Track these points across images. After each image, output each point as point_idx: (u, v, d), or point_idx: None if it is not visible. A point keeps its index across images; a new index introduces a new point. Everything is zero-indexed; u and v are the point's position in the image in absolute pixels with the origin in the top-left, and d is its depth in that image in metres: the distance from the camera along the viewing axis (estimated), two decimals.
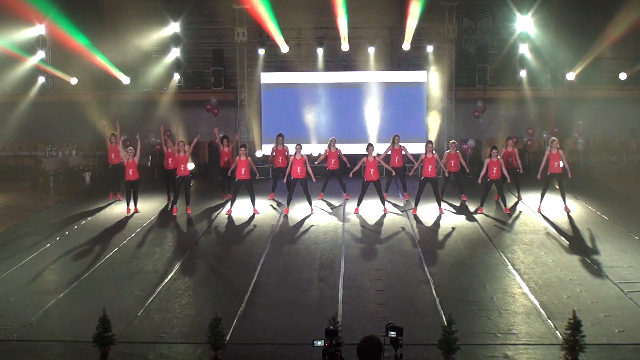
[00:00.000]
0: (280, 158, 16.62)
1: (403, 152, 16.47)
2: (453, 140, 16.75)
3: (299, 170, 15.17)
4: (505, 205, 15.35)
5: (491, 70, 21.55)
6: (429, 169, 15.07)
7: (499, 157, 15.13)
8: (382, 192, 15.49)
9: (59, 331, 8.91)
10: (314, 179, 15.30)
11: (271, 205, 16.31)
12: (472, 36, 22.28)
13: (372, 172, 15.10)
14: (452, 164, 15.97)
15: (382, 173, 17.40)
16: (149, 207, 16.22)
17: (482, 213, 15.11)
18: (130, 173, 15.39)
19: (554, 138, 15.43)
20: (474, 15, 22.22)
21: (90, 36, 19.82)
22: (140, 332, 8.85)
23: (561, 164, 15.04)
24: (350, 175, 15.69)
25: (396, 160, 16.38)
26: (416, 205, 15.26)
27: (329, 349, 5.51)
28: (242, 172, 15.03)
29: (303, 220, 14.79)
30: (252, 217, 15.07)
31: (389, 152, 16.43)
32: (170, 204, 16.12)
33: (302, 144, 15.70)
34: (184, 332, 8.89)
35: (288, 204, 15.47)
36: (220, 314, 8.06)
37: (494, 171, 14.94)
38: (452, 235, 13.59)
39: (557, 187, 15.33)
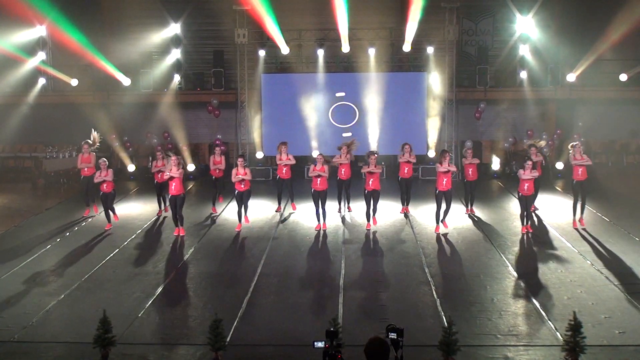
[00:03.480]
0: (285, 169, 15.34)
1: (413, 161, 15.22)
2: (469, 149, 15.33)
3: (319, 183, 13.95)
4: (524, 223, 13.59)
5: (491, 72, 21.53)
6: (444, 182, 13.51)
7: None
8: (376, 204, 14.14)
9: (60, 332, 8.92)
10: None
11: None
12: (473, 37, 22.27)
13: (370, 182, 13.96)
14: (470, 173, 14.97)
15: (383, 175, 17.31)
16: (150, 208, 16.22)
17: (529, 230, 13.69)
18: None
19: (575, 142, 14.22)
20: (475, 16, 22.21)
21: (90, 37, 19.78)
22: (140, 334, 8.86)
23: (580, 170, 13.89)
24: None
25: (405, 171, 15.13)
26: (438, 222, 13.74)
27: (330, 350, 5.51)
28: (242, 185, 14.01)
29: (303, 222, 14.79)
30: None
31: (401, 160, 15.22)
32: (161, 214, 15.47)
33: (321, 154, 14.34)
34: (185, 333, 8.90)
35: (322, 219, 14.14)
36: (221, 315, 8.06)
37: (525, 187, 13.39)
38: (453, 236, 13.57)
39: (580, 199, 13.96)
